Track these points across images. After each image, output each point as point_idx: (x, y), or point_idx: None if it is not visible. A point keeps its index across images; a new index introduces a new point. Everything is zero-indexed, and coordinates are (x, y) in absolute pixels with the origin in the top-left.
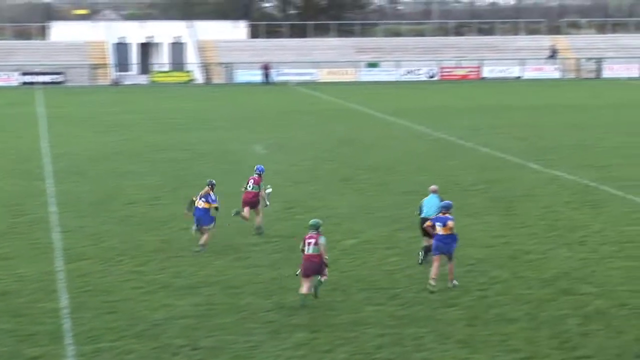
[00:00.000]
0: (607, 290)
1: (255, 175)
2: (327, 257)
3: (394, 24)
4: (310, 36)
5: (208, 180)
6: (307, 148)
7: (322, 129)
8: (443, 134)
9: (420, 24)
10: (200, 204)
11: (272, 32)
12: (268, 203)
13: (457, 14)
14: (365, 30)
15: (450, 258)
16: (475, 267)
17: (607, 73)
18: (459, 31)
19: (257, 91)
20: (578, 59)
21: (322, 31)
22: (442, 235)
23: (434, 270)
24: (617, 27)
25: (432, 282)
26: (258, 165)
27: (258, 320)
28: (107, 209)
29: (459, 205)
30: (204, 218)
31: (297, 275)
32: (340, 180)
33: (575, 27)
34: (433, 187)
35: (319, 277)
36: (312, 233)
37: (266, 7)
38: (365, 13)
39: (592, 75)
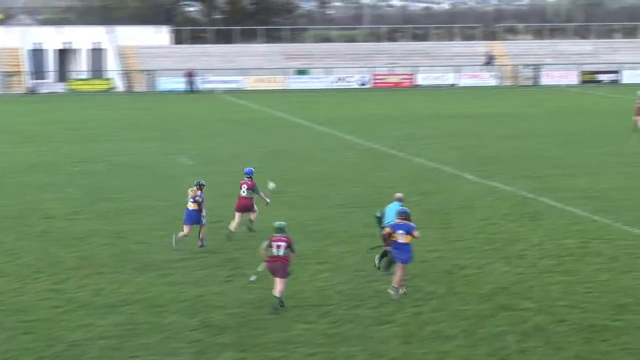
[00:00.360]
0: (546, 306)
1: (247, 179)
2: (294, 259)
3: (324, 29)
4: (236, 42)
5: (196, 181)
6: (234, 159)
7: (250, 139)
8: (375, 144)
9: (352, 29)
10: (190, 205)
11: (197, 38)
12: (269, 200)
13: (390, 18)
14: (294, 36)
15: (403, 267)
16: (409, 282)
17: (545, 80)
18: (391, 37)
19: (181, 100)
20: (515, 66)
21: (248, 37)
22: (403, 243)
23: (396, 279)
24: (555, 33)
25: (391, 291)
26: (247, 168)
27: (183, 340)
28: (24, 223)
29: None
30: (194, 219)
31: (251, 281)
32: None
33: (511, 32)
34: (398, 194)
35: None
36: (279, 235)
37: (190, 11)
38: (293, 18)
39: (530, 82)
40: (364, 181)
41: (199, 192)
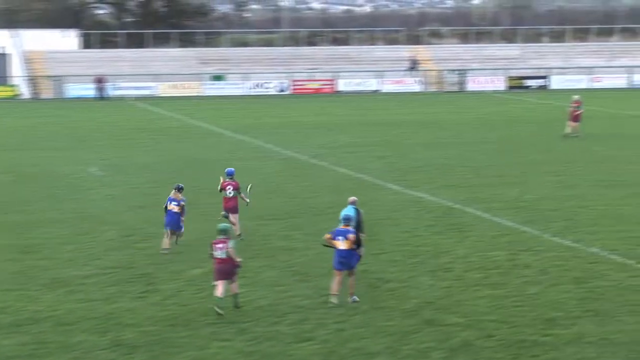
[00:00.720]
0: (473, 321)
1: (229, 180)
2: (239, 260)
3: (241, 33)
4: (148, 46)
5: (175, 185)
6: (147, 169)
7: (164, 149)
8: (295, 153)
9: (269, 33)
10: (174, 207)
11: (107, 42)
12: (249, 200)
13: (309, 22)
14: (209, 40)
15: (351, 273)
16: (330, 297)
17: (471, 86)
18: (311, 41)
19: (91, 107)
20: (440, 71)
21: (162, 41)
22: (344, 249)
23: (335, 285)
24: (481, 37)
25: (333, 300)
26: (228, 169)
27: None
28: None
29: (314, 230)
30: (177, 222)
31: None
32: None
33: (436, 36)
34: (352, 198)
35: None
36: (221, 238)
37: (99, 14)
38: (209, 21)
39: (456, 88)
40: (282, 192)
41: (181, 195)
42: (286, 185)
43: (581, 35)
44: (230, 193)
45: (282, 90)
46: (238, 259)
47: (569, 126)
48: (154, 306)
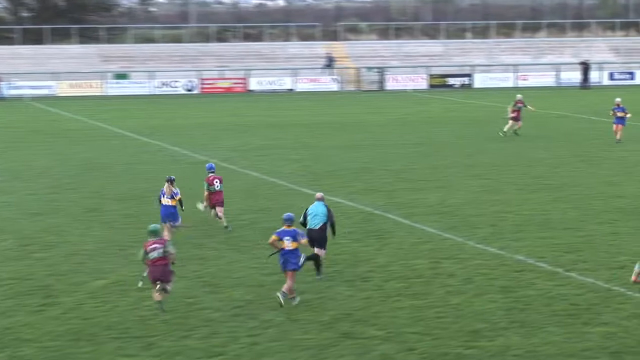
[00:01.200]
0: (394, 333)
1: (214, 174)
2: (175, 262)
3: (146, 28)
4: (47, 43)
5: (167, 177)
6: (46, 175)
7: (64, 152)
8: (205, 156)
9: (177, 28)
10: (167, 201)
11: (2, 38)
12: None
13: (219, 17)
14: (113, 36)
15: (293, 275)
16: (244, 309)
17: (391, 84)
18: (221, 37)
19: None
20: (358, 69)
21: (61, 37)
22: (291, 249)
23: (286, 287)
24: (402, 32)
25: (280, 296)
26: (209, 164)
27: None
28: None
29: (224, 238)
30: (172, 215)
31: (140, 285)
32: (86, 211)
33: (354, 32)
34: (319, 194)
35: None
36: (153, 239)
37: None
38: (112, 16)
39: (375, 87)
40: (192, 198)
41: (174, 187)
42: (195, 190)
43: (506, 31)
44: (218, 187)
45: (190, 90)
46: (174, 261)
47: (512, 126)
48: (54, 320)
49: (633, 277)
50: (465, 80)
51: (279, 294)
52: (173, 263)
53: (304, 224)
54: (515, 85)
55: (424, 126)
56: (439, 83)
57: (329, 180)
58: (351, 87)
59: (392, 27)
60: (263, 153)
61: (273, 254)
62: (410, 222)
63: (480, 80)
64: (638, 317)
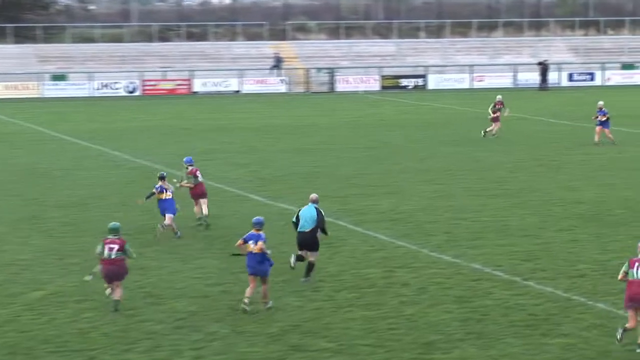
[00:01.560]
0: (345, 346)
1: (193, 168)
2: (133, 257)
3: (85, 27)
4: None
5: (160, 174)
6: None
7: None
8: (147, 161)
9: (117, 27)
10: (169, 195)
11: None
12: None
13: (162, 15)
14: (50, 36)
15: (264, 280)
16: (186, 321)
17: (341, 86)
18: (164, 36)
19: None
20: (307, 70)
21: None
22: (255, 254)
23: (248, 290)
24: (352, 32)
25: (245, 301)
26: (187, 157)
27: None
28: None
29: (167, 247)
30: (172, 207)
31: (86, 280)
32: (22, 219)
33: (303, 31)
34: (313, 195)
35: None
36: (112, 237)
37: None
38: (49, 15)
39: (325, 88)
40: (132, 204)
41: (166, 183)
42: (137, 197)
43: (461, 30)
44: (201, 178)
45: (131, 91)
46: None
47: (492, 127)
48: None
49: (620, 275)
50: (419, 81)
51: (243, 305)
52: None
53: (296, 224)
54: (471, 87)
55: (376, 129)
56: (391, 84)
57: (277, 186)
58: (300, 89)
59: (342, 26)
60: (208, 158)
61: (237, 254)
62: (362, 229)
63: (434, 82)
64: (598, 328)
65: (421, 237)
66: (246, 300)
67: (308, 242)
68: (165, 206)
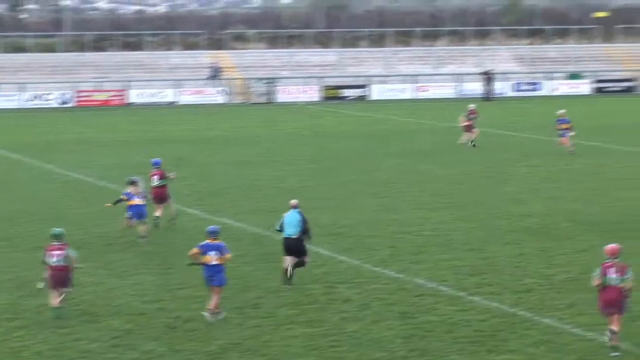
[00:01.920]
0: None
1: (155, 170)
2: (78, 267)
3: (16, 36)
4: None
5: (128, 179)
6: None
7: None
8: (80, 175)
9: (49, 36)
10: (141, 201)
11: None
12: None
13: (96, 24)
14: None
15: (219, 290)
16: (122, 340)
17: (281, 96)
18: (98, 46)
19: None
20: (246, 80)
21: None
22: (216, 265)
23: (212, 303)
24: (293, 41)
25: (207, 315)
26: (155, 159)
27: None
28: None
29: (103, 263)
30: (143, 213)
31: (39, 288)
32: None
33: (241, 40)
34: (294, 201)
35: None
36: (56, 244)
37: None
38: None
39: (264, 99)
40: (66, 219)
41: (136, 189)
42: (70, 212)
43: (404, 39)
44: (155, 182)
45: (64, 103)
46: (76, 265)
47: (465, 136)
48: None
49: (596, 281)
50: (361, 91)
51: (205, 314)
52: (75, 268)
53: (280, 231)
54: (415, 97)
55: (318, 141)
56: (332, 95)
57: (215, 200)
58: (238, 100)
59: (282, 35)
60: (144, 171)
61: (193, 264)
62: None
63: (377, 92)
64: (545, 344)
65: (363, 252)
66: (220, 315)
67: (295, 248)
68: (135, 212)
